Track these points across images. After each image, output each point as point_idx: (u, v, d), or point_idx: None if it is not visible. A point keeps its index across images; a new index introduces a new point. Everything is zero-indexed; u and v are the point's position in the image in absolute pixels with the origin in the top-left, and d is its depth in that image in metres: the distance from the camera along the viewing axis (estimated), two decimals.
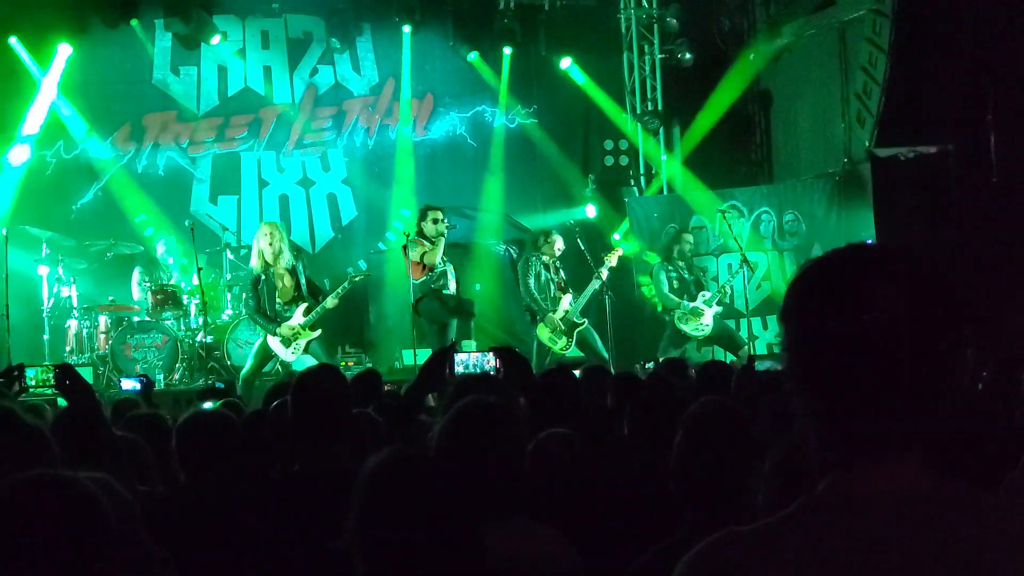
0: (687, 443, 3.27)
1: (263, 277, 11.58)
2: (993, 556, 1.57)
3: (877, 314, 1.61)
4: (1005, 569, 1.57)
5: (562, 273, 12.52)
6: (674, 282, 13.01)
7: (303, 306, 11.56)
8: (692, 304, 12.85)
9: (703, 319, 12.85)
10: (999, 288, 11.30)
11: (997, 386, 6.02)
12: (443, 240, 11.94)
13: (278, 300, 11.58)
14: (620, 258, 13.12)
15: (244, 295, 12.32)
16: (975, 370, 6.52)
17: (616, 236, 15.24)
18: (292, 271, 11.63)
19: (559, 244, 12.48)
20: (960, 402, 1.67)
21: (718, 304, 12.91)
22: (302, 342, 11.57)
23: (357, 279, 12.13)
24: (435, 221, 12.00)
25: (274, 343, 11.57)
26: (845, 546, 1.59)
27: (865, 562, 1.58)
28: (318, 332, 11.69)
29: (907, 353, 1.61)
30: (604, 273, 12.37)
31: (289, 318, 11.53)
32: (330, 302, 11.53)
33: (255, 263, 11.64)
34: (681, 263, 13.12)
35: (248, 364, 11.75)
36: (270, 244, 11.54)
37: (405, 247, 12.04)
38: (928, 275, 1.66)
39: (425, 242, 11.97)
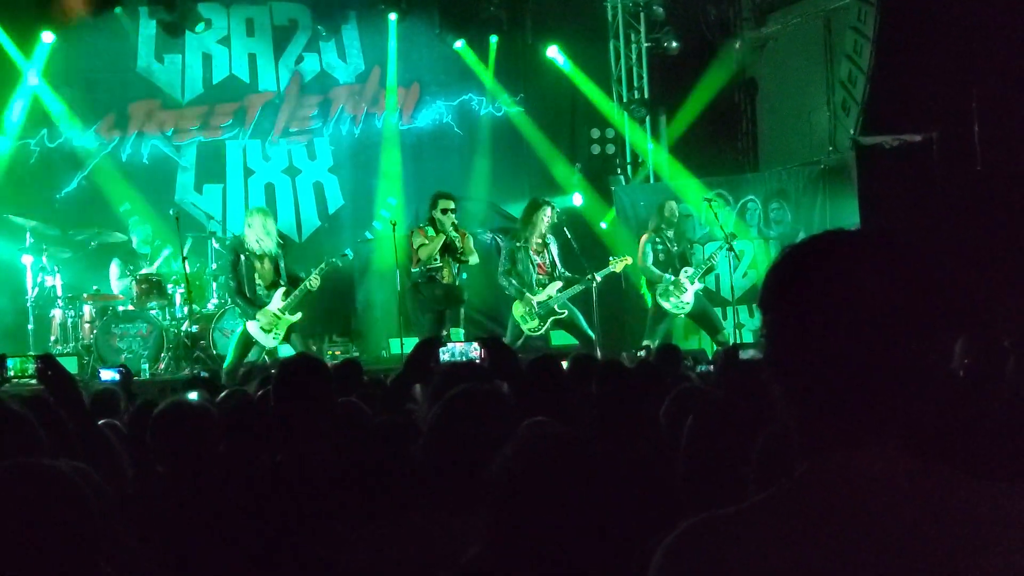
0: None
1: (242, 258, 11.48)
2: (971, 540, 1.58)
3: (856, 300, 1.61)
4: (982, 553, 1.58)
5: (552, 252, 12.23)
6: (660, 255, 12.64)
7: (282, 290, 11.50)
8: (674, 278, 12.53)
9: (684, 296, 12.53)
10: (982, 275, 11.33)
11: (980, 373, 6.03)
12: (443, 237, 11.82)
13: (258, 282, 11.51)
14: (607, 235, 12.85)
15: (224, 277, 12.15)
16: (959, 357, 6.54)
17: (603, 224, 15.26)
18: (274, 257, 11.58)
19: (547, 218, 12.12)
20: (942, 388, 1.65)
21: (701, 280, 12.64)
22: (283, 327, 11.52)
23: (337, 260, 12.07)
24: (444, 211, 11.89)
25: (253, 328, 11.49)
26: (823, 529, 1.59)
27: (843, 545, 1.58)
28: (298, 315, 11.63)
29: (886, 339, 1.61)
30: (598, 278, 12.20)
31: (268, 303, 11.48)
32: (311, 283, 11.45)
33: (249, 244, 11.51)
34: (669, 233, 12.69)
35: (230, 355, 11.70)
36: (266, 231, 11.47)
37: (411, 233, 12.02)
38: (909, 261, 1.66)
39: (429, 232, 11.90)
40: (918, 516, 1.59)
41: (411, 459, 3.48)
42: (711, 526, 1.66)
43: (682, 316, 12.74)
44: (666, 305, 12.56)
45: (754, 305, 13.73)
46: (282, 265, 11.64)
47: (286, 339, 11.57)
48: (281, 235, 12.00)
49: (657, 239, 12.68)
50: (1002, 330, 8.14)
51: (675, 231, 12.77)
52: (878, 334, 1.61)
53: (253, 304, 11.47)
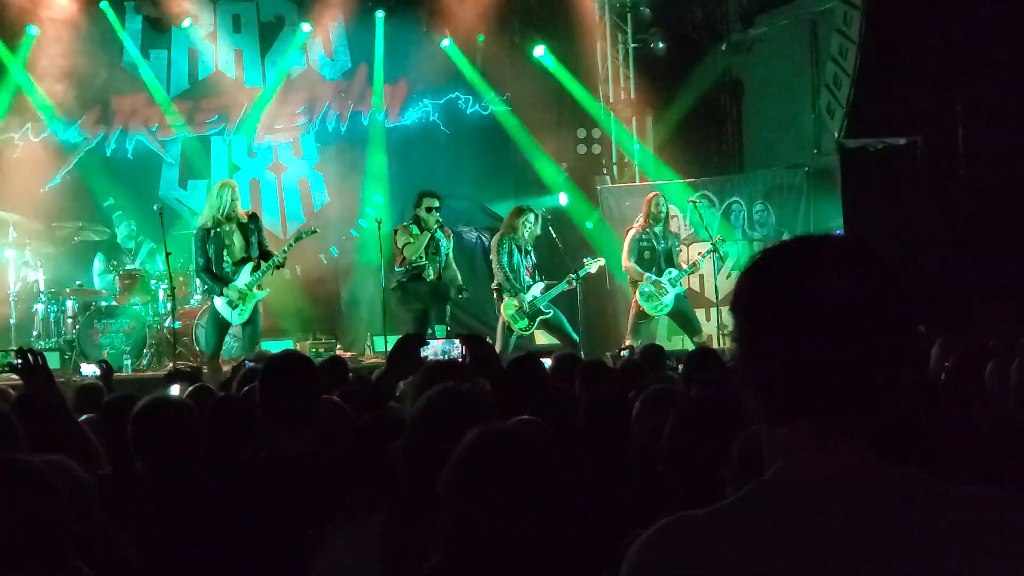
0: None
1: (212, 233, 11.33)
2: (936, 541, 1.59)
3: (825, 305, 1.63)
4: (947, 554, 1.59)
5: (534, 258, 12.30)
6: (644, 252, 12.48)
7: (250, 265, 11.37)
8: (656, 277, 12.39)
9: (664, 298, 12.44)
10: (964, 279, 11.39)
11: (960, 377, 6.06)
12: (428, 235, 11.82)
13: (226, 259, 11.38)
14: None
15: (193, 255, 11.86)
16: (938, 361, 6.57)
17: (588, 225, 15.28)
18: (243, 230, 11.49)
19: (533, 225, 12.13)
20: (912, 391, 1.68)
21: (683, 284, 12.60)
22: (250, 302, 11.38)
23: (304, 234, 12.03)
24: (429, 209, 11.86)
25: (220, 304, 11.36)
26: (791, 529, 1.61)
27: (810, 545, 1.59)
28: (265, 292, 11.58)
29: (854, 344, 1.63)
30: (574, 281, 12.21)
31: (235, 280, 11.35)
32: (279, 258, 11.39)
33: (206, 218, 11.38)
34: (657, 228, 12.54)
35: (208, 343, 11.65)
36: (232, 199, 11.35)
37: (395, 231, 12.00)
38: (877, 265, 1.67)
39: (414, 231, 11.88)
40: (886, 518, 1.60)
41: (391, 457, 3.49)
42: (683, 526, 1.68)
43: (662, 317, 12.72)
44: (645, 306, 12.49)
45: None
46: (253, 240, 11.49)
47: (251, 319, 11.46)
48: (253, 214, 11.81)
49: (644, 235, 12.54)
50: (984, 333, 8.19)
51: (663, 226, 12.65)
52: (846, 338, 1.62)
53: (219, 280, 11.35)
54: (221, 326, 11.53)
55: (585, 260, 12.48)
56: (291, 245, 11.67)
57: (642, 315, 12.53)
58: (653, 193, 12.82)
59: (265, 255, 11.48)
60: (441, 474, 2.62)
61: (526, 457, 2.59)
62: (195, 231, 11.60)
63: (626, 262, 12.55)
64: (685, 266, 12.76)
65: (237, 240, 11.37)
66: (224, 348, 12.57)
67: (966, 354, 6.32)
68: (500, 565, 2.52)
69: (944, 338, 6.89)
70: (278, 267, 11.49)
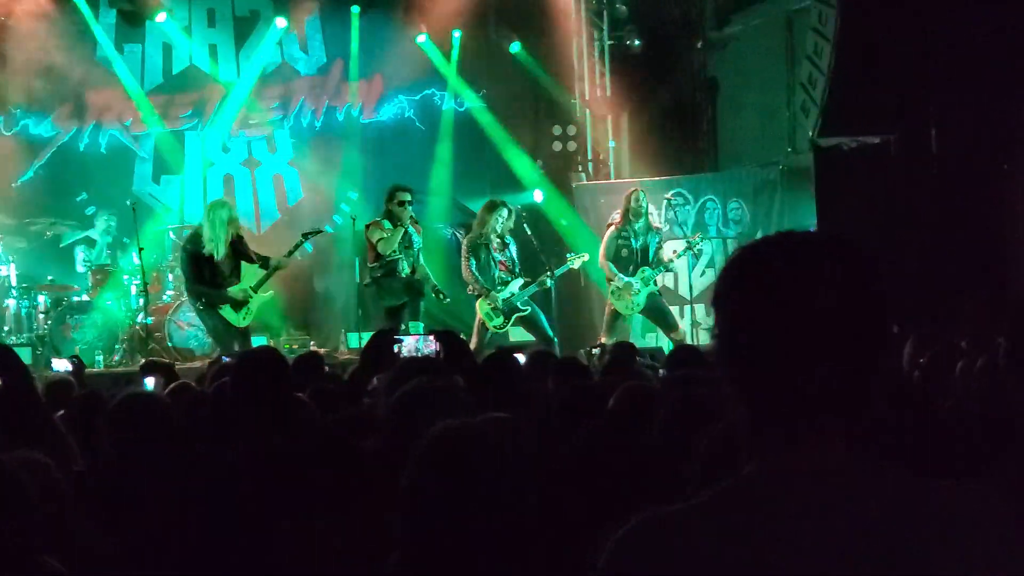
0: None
1: (204, 255, 11.22)
2: (915, 536, 1.61)
3: (805, 300, 1.63)
4: (924, 548, 1.60)
5: (511, 251, 12.17)
6: (622, 250, 12.31)
7: (252, 271, 11.42)
8: (627, 279, 12.22)
9: (636, 297, 12.29)
10: (939, 277, 11.45)
11: (932, 374, 6.09)
12: (401, 228, 11.76)
13: (222, 274, 11.38)
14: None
15: (182, 272, 11.83)
16: (912, 358, 6.60)
17: (563, 222, 15.27)
18: (233, 246, 11.43)
19: (506, 220, 12.02)
20: (893, 388, 1.70)
21: (654, 283, 12.39)
22: (254, 304, 11.38)
23: (310, 235, 11.99)
24: (401, 203, 11.81)
25: (226, 313, 11.36)
26: (768, 525, 1.61)
27: (788, 540, 1.60)
28: (270, 293, 11.59)
29: (834, 339, 1.63)
30: (556, 275, 12.15)
31: (236, 286, 11.35)
32: (282, 262, 11.41)
33: (214, 242, 11.28)
34: (637, 224, 12.30)
35: (224, 348, 11.46)
36: (229, 223, 11.32)
37: (368, 226, 11.91)
38: (857, 262, 1.68)
39: (386, 225, 11.82)
40: (864, 514, 1.61)
41: (364, 454, 3.48)
42: (661, 521, 1.68)
43: (635, 315, 12.65)
44: (618, 306, 12.39)
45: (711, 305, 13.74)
46: (245, 249, 11.47)
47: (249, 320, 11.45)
48: (237, 224, 11.74)
49: (623, 232, 12.38)
50: (957, 331, 8.22)
51: (643, 222, 12.43)
52: (825, 335, 1.63)
53: (220, 286, 11.29)
54: (230, 329, 11.43)
55: (568, 256, 12.45)
56: (298, 245, 11.65)
57: (616, 313, 12.50)
58: (632, 189, 12.74)
59: (261, 259, 11.44)
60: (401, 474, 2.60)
61: (485, 454, 2.57)
62: (193, 252, 11.35)
63: (602, 260, 12.49)
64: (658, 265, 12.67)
65: (226, 261, 11.30)
66: (198, 343, 12.57)
67: (938, 351, 6.35)
68: (456, 563, 2.50)
69: (916, 336, 6.92)
70: (280, 269, 11.48)
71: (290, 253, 11.60)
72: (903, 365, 6.57)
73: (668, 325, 12.62)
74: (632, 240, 12.34)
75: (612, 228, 12.51)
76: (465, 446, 2.59)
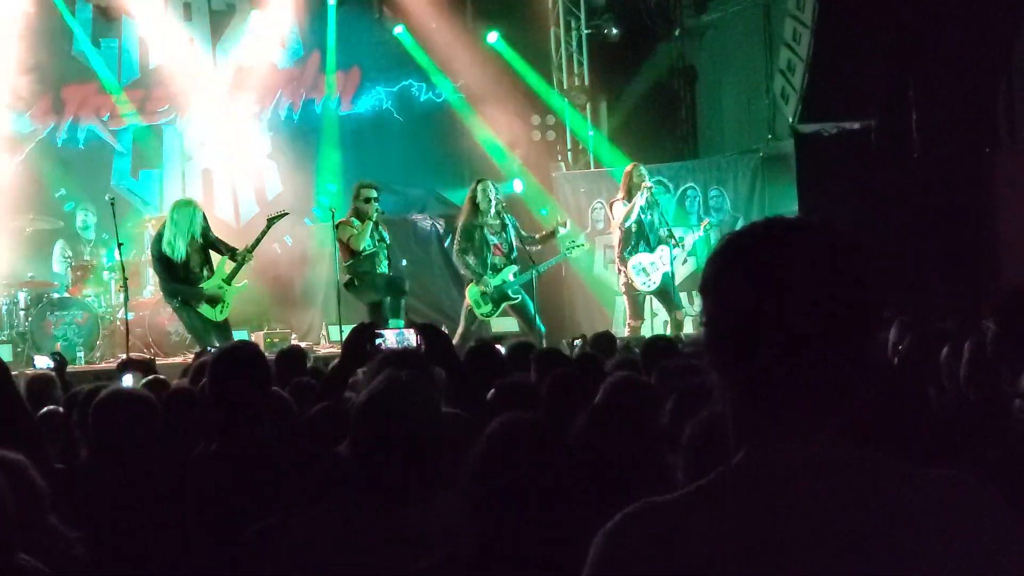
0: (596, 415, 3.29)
1: (171, 253, 11.28)
2: (907, 526, 1.60)
3: (793, 287, 1.63)
4: (916, 537, 1.60)
5: (509, 233, 11.97)
6: (632, 226, 12.21)
7: (222, 264, 11.48)
8: (651, 255, 12.11)
9: (653, 275, 12.21)
10: (919, 262, 11.47)
11: (915, 360, 6.07)
12: (371, 223, 11.74)
13: (194, 270, 11.39)
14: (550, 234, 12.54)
15: (157, 276, 11.92)
16: (894, 343, 6.59)
17: (543, 211, 15.25)
18: (199, 239, 11.39)
19: (491, 193, 11.87)
20: (877, 375, 1.69)
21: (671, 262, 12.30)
22: (229, 297, 11.44)
23: (274, 220, 11.96)
24: (367, 200, 11.79)
25: (203, 309, 11.37)
26: (760, 515, 1.61)
27: (780, 530, 1.60)
28: (243, 284, 11.61)
29: (822, 326, 1.62)
30: (531, 271, 12.04)
31: (210, 281, 11.37)
32: (247, 256, 11.46)
33: (171, 244, 11.29)
34: (642, 200, 12.13)
35: (204, 341, 11.45)
36: (197, 220, 11.34)
37: (337, 226, 11.88)
38: (846, 249, 1.67)
39: (355, 223, 11.79)
40: (855, 503, 1.61)
41: (341, 450, 3.46)
42: (651, 512, 1.66)
43: (648, 292, 12.51)
44: (639, 281, 12.27)
45: (694, 292, 13.76)
46: (213, 241, 11.51)
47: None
48: (202, 218, 11.72)
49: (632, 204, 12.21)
50: (940, 315, 8.24)
51: (648, 199, 12.32)
52: (814, 322, 1.62)
53: (193, 284, 11.32)
54: (208, 324, 11.42)
55: (568, 243, 12.28)
56: (264, 233, 11.65)
57: (636, 293, 12.39)
58: (632, 164, 12.63)
59: (229, 250, 11.43)
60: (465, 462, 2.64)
61: (550, 444, 2.64)
62: (158, 253, 11.43)
63: (619, 225, 12.29)
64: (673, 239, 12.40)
65: (196, 257, 11.32)
66: (179, 339, 12.53)
67: (921, 336, 6.34)
68: (521, 555, 2.54)
69: (900, 321, 6.92)
70: (245, 261, 11.51)
71: (257, 240, 11.64)
72: (886, 351, 6.57)
73: (672, 305, 12.49)
74: (641, 213, 12.24)
75: (618, 204, 12.40)
76: (536, 433, 2.64)
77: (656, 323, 13.12)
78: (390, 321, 11.59)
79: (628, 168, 12.55)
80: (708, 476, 1.68)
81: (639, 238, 12.30)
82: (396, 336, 4.85)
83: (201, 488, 4.10)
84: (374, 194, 11.79)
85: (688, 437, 2.80)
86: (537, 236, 12.34)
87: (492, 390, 4.87)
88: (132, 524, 4.00)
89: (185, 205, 11.60)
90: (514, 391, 4.90)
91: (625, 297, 12.67)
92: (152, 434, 4.37)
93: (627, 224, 12.27)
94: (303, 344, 12.70)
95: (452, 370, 4.91)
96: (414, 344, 4.84)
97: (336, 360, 5.22)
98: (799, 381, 1.63)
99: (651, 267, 12.29)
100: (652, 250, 12.31)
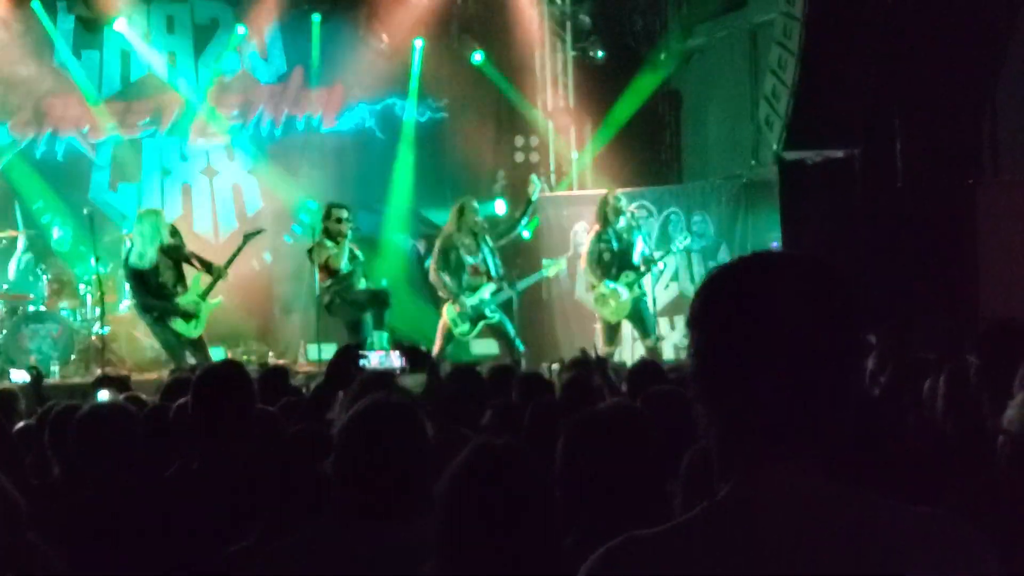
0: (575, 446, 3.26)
1: (145, 269, 11.20)
2: (888, 561, 1.62)
3: (779, 321, 1.65)
4: (898, 573, 1.62)
5: (484, 253, 11.90)
6: (604, 254, 12.15)
7: (196, 279, 11.45)
8: (612, 285, 12.09)
9: (621, 301, 12.17)
10: (901, 292, 11.45)
11: (897, 390, 6.05)
12: (347, 242, 11.73)
13: (166, 285, 11.31)
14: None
15: (130, 289, 11.82)
16: (875, 374, 6.56)
17: (525, 234, 15.21)
18: (167, 252, 11.32)
19: (476, 213, 11.91)
20: (859, 407, 1.72)
21: (639, 287, 12.27)
22: (203, 313, 11.38)
23: (250, 237, 11.93)
24: (339, 220, 11.77)
25: (177, 325, 11.28)
26: (743, 550, 1.62)
27: (763, 566, 1.61)
28: (218, 299, 11.55)
29: (807, 361, 1.65)
30: (507, 288, 12.05)
31: (184, 298, 11.30)
32: (223, 272, 11.40)
33: (141, 254, 11.21)
34: (619, 225, 12.16)
35: (176, 357, 11.38)
36: (162, 229, 11.27)
37: (310, 251, 11.85)
38: (831, 284, 1.70)
39: (329, 244, 11.76)
40: (837, 538, 1.63)
41: (322, 471, 3.42)
42: (635, 545, 1.68)
43: (619, 320, 12.48)
44: (603, 312, 12.31)
45: (675, 318, 13.74)
46: (187, 255, 11.46)
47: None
48: (172, 228, 11.65)
49: (603, 236, 12.24)
50: (922, 346, 8.22)
51: (626, 222, 12.31)
52: (799, 356, 1.64)
53: (167, 299, 11.23)
54: (182, 340, 11.35)
55: (544, 261, 12.33)
56: (240, 249, 11.60)
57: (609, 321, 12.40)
58: (608, 190, 12.64)
59: (205, 264, 11.37)
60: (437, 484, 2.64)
61: (526, 470, 2.63)
62: (129, 268, 11.36)
63: (585, 265, 12.40)
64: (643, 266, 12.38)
65: (167, 270, 11.24)
66: (155, 355, 12.45)
67: (901, 368, 6.31)
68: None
69: (880, 351, 6.89)
70: (220, 278, 11.44)
71: (233, 256, 11.60)
72: (865, 381, 6.54)
73: (644, 331, 12.45)
74: (613, 242, 12.21)
75: (593, 233, 12.42)
76: (506, 460, 2.63)
77: (637, 347, 13.05)
78: (373, 334, 11.56)
79: (604, 194, 12.53)
80: (695, 510, 1.69)
81: (609, 267, 12.24)
82: (380, 358, 4.81)
83: (182, 506, 4.06)
84: (345, 215, 11.83)
85: (685, 467, 2.78)
86: (516, 214, 12.33)
87: (488, 412, 4.84)
88: (112, 541, 3.95)
89: (149, 214, 11.57)
90: (507, 413, 4.87)
91: (599, 323, 12.66)
92: (134, 450, 4.32)
93: (591, 254, 12.28)
94: (281, 362, 12.64)
95: (434, 391, 4.87)
96: (396, 366, 4.81)
97: (318, 380, 5.18)
98: (785, 414, 1.65)
99: (613, 295, 12.22)
100: (615, 279, 12.23)
